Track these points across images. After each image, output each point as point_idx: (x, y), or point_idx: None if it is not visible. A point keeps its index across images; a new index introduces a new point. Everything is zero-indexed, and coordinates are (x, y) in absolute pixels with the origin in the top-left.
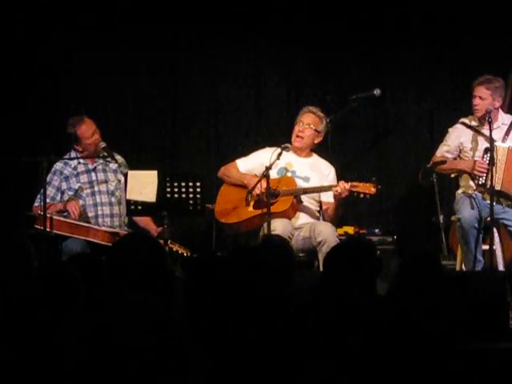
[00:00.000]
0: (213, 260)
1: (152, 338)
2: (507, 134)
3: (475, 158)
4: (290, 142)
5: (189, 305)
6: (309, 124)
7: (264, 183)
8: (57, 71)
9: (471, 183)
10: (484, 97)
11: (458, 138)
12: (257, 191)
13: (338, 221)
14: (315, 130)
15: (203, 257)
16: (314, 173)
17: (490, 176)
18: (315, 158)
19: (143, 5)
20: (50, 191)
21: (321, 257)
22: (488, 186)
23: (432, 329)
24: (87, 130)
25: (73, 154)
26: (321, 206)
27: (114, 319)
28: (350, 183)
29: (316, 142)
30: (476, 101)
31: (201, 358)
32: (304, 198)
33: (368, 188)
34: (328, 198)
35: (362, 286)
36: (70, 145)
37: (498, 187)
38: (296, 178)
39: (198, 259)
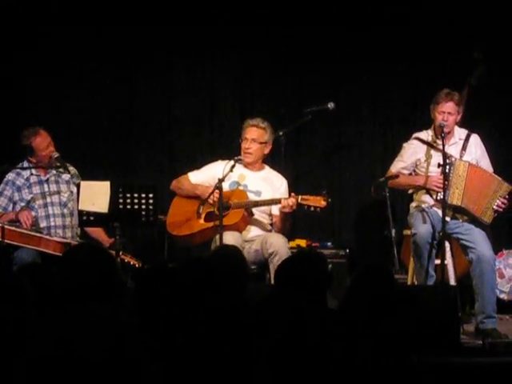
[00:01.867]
0: (164, 271)
1: (107, 347)
2: (464, 149)
3: (429, 173)
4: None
5: (140, 315)
6: (253, 139)
7: (215, 198)
8: (10, 81)
9: (427, 198)
10: (453, 112)
11: (415, 155)
12: (210, 201)
13: (287, 233)
14: (261, 143)
15: (154, 268)
16: (266, 186)
17: (443, 191)
18: (267, 170)
19: (101, 17)
20: (2, 201)
21: (272, 268)
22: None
23: (383, 343)
24: (42, 142)
25: (25, 164)
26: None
27: (69, 330)
28: (300, 196)
29: (266, 152)
30: (445, 117)
31: (153, 369)
32: (255, 211)
33: (318, 201)
34: (278, 210)
35: (313, 299)
36: (23, 155)
37: (458, 203)
38: (248, 191)
39: (149, 270)
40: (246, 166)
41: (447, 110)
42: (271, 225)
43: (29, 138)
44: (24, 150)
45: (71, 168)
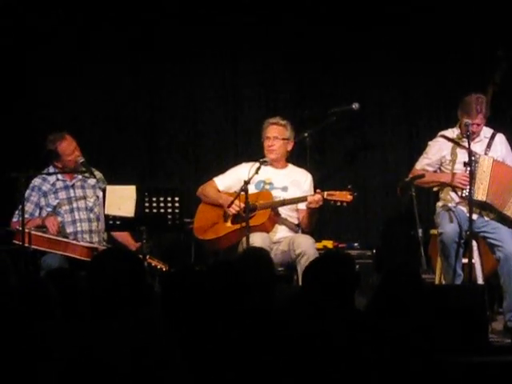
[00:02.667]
0: (190, 274)
1: (138, 354)
2: (489, 146)
3: (455, 171)
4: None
5: (167, 319)
6: (275, 137)
7: (240, 201)
8: (34, 87)
9: (453, 196)
10: (481, 123)
11: (440, 152)
12: (232, 210)
13: (314, 227)
14: (283, 139)
15: (180, 271)
16: (291, 182)
17: (469, 190)
18: (291, 167)
19: (121, 25)
20: (29, 207)
21: (300, 270)
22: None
23: (412, 342)
24: (68, 147)
25: (51, 170)
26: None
27: (101, 337)
28: (325, 192)
29: (289, 149)
30: (475, 128)
31: (183, 371)
32: (282, 210)
33: (344, 196)
34: (305, 206)
35: (340, 300)
36: (49, 161)
37: (483, 198)
38: (274, 189)
39: (176, 274)
40: (271, 164)
41: (477, 122)
42: (298, 225)
43: (54, 142)
44: (49, 154)
45: (97, 173)
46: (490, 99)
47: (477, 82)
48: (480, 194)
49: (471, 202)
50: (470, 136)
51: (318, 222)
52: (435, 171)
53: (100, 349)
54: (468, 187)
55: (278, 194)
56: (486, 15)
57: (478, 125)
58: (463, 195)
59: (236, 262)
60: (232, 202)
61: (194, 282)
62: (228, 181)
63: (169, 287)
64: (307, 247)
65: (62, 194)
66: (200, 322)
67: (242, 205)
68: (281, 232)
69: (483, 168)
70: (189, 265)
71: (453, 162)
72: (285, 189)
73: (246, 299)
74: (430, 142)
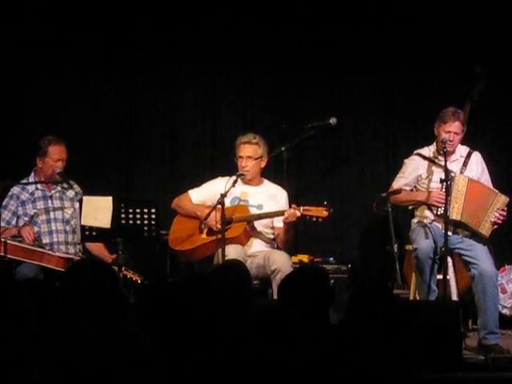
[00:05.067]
0: (164, 286)
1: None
2: (465, 165)
3: (431, 189)
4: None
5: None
6: (248, 157)
7: (217, 213)
8: (15, 97)
9: (428, 213)
10: (459, 132)
11: (416, 171)
12: (209, 223)
13: (290, 245)
14: (256, 159)
15: (154, 283)
16: (266, 199)
17: (445, 206)
18: (266, 184)
19: (101, 31)
20: (6, 215)
21: (275, 286)
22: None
23: (385, 358)
24: (57, 153)
25: (31, 179)
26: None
27: (75, 347)
28: (302, 207)
29: (262, 166)
30: (452, 136)
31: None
32: (257, 224)
33: (320, 212)
34: (280, 223)
35: (315, 314)
36: (34, 155)
37: (457, 218)
38: (250, 206)
39: (149, 286)
40: (246, 182)
41: (454, 130)
42: (273, 239)
43: (49, 142)
44: (37, 150)
45: (75, 186)
46: (467, 115)
47: (455, 98)
48: (455, 214)
49: (447, 219)
50: (447, 152)
51: (293, 239)
52: (412, 190)
53: (77, 358)
54: (442, 206)
55: (253, 211)
56: (464, 31)
57: (456, 133)
58: (438, 213)
59: (212, 274)
60: (209, 214)
61: (168, 294)
62: (203, 194)
63: (143, 299)
64: (282, 264)
65: (40, 204)
66: (174, 333)
67: (219, 216)
68: (256, 245)
69: (458, 187)
70: (163, 277)
71: (429, 180)
72: (260, 207)
73: (221, 312)
74: (405, 161)
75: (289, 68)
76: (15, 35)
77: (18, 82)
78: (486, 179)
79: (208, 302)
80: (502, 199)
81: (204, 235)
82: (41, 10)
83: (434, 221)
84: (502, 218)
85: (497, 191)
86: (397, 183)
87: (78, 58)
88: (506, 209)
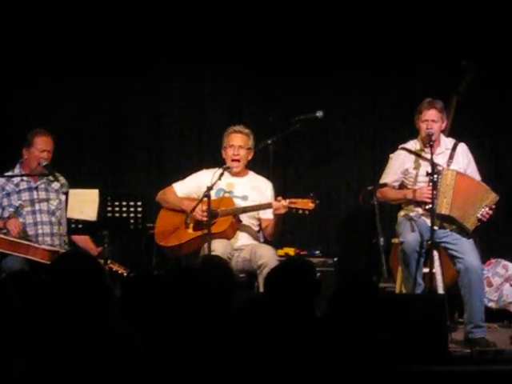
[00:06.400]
0: (149, 279)
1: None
2: (451, 158)
3: (418, 183)
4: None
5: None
6: (240, 146)
7: (203, 206)
8: (3, 93)
9: (416, 208)
10: (436, 119)
11: (403, 165)
12: (196, 216)
13: (277, 237)
14: (247, 149)
15: (139, 276)
16: (251, 191)
17: (432, 200)
18: (251, 175)
19: (95, 32)
20: None
21: (261, 280)
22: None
23: (370, 350)
24: (42, 144)
25: (16, 171)
26: (260, 225)
27: (64, 339)
28: (288, 200)
29: (249, 158)
30: (429, 124)
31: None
32: (243, 217)
33: (306, 204)
34: (267, 214)
35: (301, 307)
36: (20, 146)
37: (447, 212)
38: (234, 197)
39: (134, 278)
40: (232, 172)
41: (430, 118)
42: (259, 231)
43: (36, 133)
44: (25, 141)
45: (61, 178)
46: (454, 109)
47: (441, 92)
48: (444, 208)
49: (434, 213)
50: (433, 145)
51: (281, 231)
52: (400, 184)
53: (62, 350)
54: (430, 201)
55: (238, 203)
56: (451, 26)
57: (434, 121)
58: (426, 208)
59: (195, 269)
60: (195, 207)
61: (153, 286)
62: (188, 187)
63: (128, 291)
64: (269, 258)
65: (25, 196)
66: (159, 326)
67: (205, 208)
68: (242, 239)
69: (446, 181)
70: (149, 269)
71: (416, 173)
72: (244, 198)
73: (204, 304)
74: (391, 155)
75: (276, 61)
76: (3, 34)
77: (6, 78)
78: (472, 170)
79: (191, 296)
80: (492, 197)
81: (190, 230)
82: (29, 9)
83: (422, 215)
84: (487, 216)
85: (488, 188)
86: (384, 179)
87: (66, 55)
88: (494, 207)
